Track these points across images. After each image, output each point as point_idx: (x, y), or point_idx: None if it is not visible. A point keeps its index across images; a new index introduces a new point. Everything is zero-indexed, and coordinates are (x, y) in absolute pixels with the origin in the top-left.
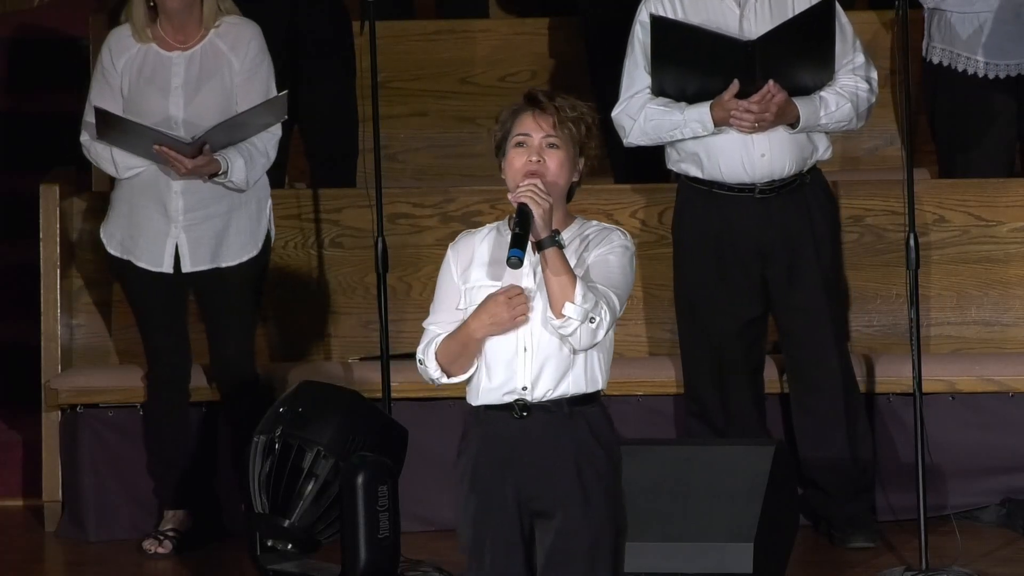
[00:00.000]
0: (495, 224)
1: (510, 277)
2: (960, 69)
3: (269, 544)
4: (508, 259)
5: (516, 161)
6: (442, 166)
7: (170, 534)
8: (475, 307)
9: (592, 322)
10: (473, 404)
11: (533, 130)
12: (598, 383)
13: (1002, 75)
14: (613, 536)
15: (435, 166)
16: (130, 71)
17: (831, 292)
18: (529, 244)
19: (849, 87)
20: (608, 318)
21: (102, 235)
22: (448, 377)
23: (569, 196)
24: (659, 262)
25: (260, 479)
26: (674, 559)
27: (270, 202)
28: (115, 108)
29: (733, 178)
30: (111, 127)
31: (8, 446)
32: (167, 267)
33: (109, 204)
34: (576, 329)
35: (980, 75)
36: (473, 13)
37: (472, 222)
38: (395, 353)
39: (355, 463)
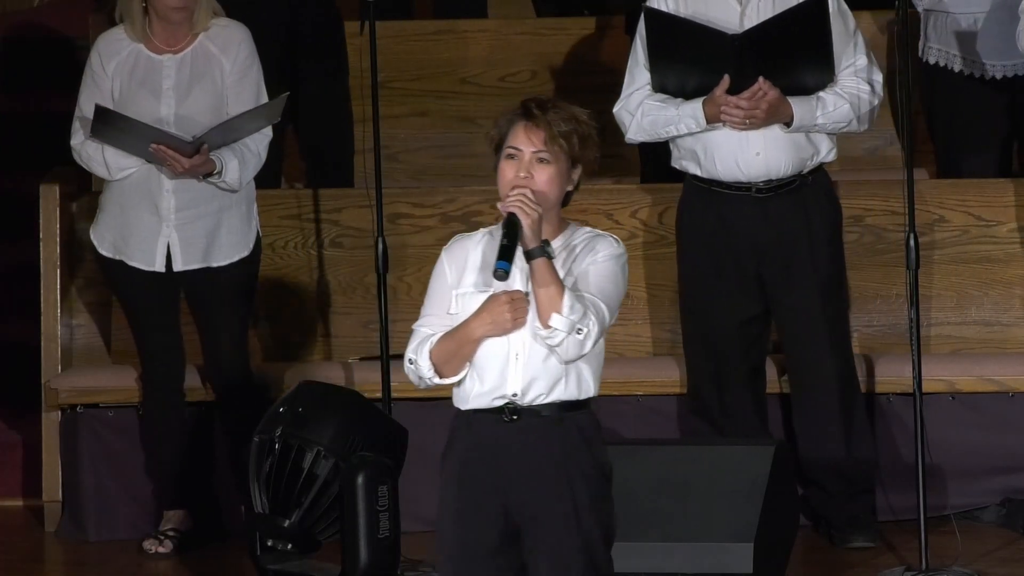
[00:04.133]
0: (489, 228)
1: (503, 283)
2: (957, 69)
3: (269, 544)
4: (494, 271)
5: (507, 173)
6: (442, 166)
7: (170, 534)
8: (466, 313)
9: (579, 333)
10: (462, 408)
11: (524, 144)
12: (590, 390)
13: (999, 75)
14: (601, 542)
15: (435, 166)
16: (121, 74)
17: (828, 294)
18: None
19: (849, 88)
20: (596, 329)
21: (92, 237)
22: (440, 378)
23: (565, 202)
24: (659, 262)
25: (260, 479)
26: (674, 559)
27: (256, 204)
28: None
29: (729, 176)
30: (109, 125)
31: (8, 446)
32: (159, 266)
33: (98, 206)
34: (563, 340)
35: (977, 75)
36: (470, 13)
37: (472, 222)
38: (395, 353)
39: (355, 463)
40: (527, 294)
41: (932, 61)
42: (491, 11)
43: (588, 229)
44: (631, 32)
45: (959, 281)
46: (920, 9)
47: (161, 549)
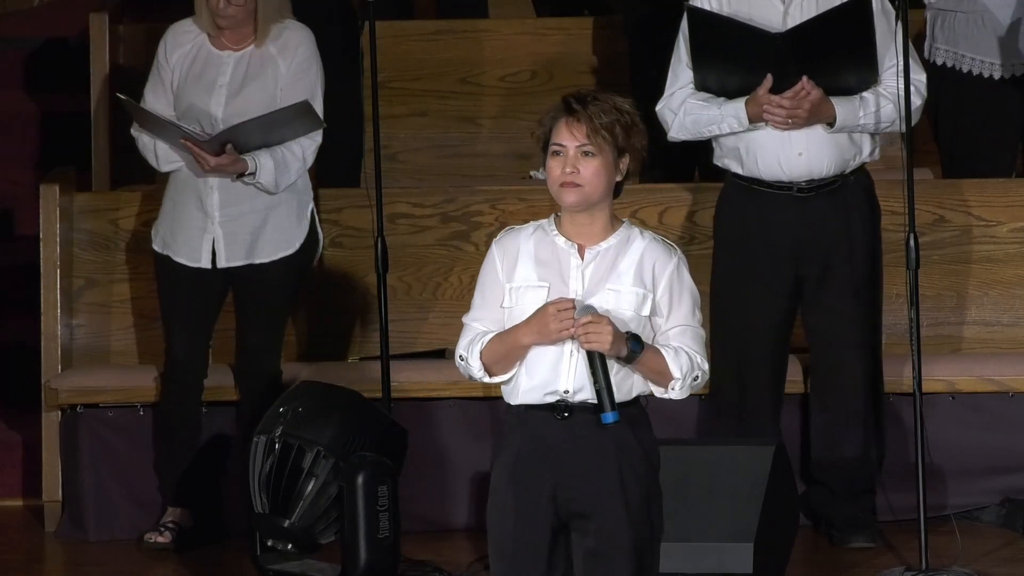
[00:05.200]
0: (540, 222)
1: (557, 277)
2: (965, 70)
3: (269, 544)
4: (602, 426)
5: (554, 170)
6: (442, 166)
7: (170, 526)
8: (521, 306)
9: (696, 379)
10: (512, 403)
11: (567, 139)
12: (641, 387)
13: (1007, 75)
14: (650, 538)
15: (435, 166)
16: (182, 67)
17: (862, 296)
18: (577, 252)
19: (892, 88)
20: (706, 364)
21: (152, 232)
22: (490, 376)
23: (617, 192)
24: None
25: (260, 479)
26: (674, 559)
27: (312, 205)
28: (166, 103)
29: (770, 175)
30: (138, 117)
31: (8, 446)
32: (205, 262)
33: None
34: (686, 394)
35: (985, 75)
36: (473, 13)
37: (472, 222)
38: (395, 353)
39: (355, 463)
40: (579, 300)
41: (939, 62)
42: (491, 11)
43: (639, 231)
44: (630, 32)
45: (959, 281)
46: (927, 11)
47: (160, 539)
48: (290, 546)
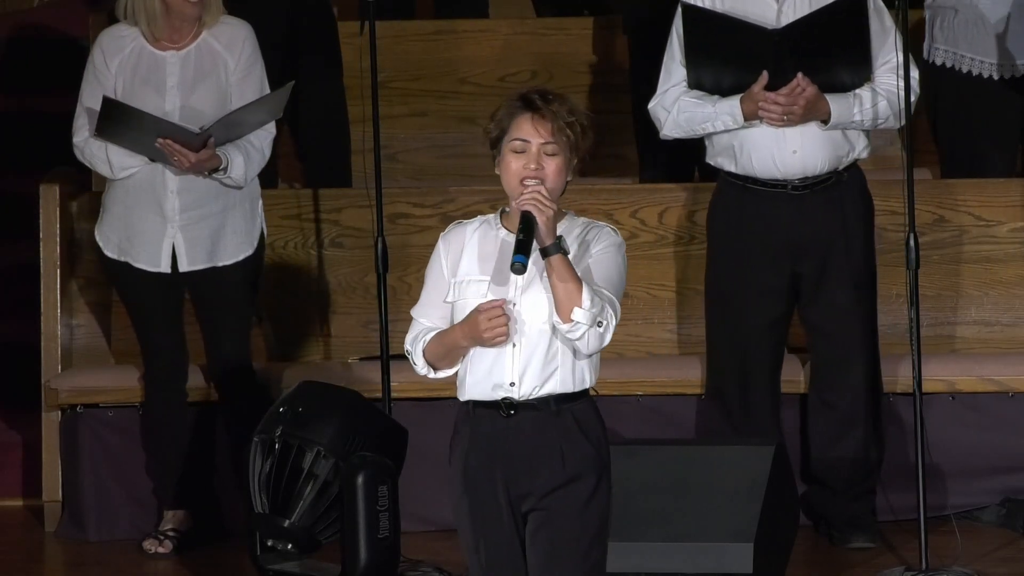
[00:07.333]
0: (487, 217)
1: (498, 271)
2: (964, 70)
3: (269, 544)
4: (512, 265)
5: (514, 165)
6: (442, 166)
7: (170, 534)
8: (463, 300)
9: (600, 326)
10: (461, 399)
11: (532, 136)
12: (586, 382)
13: (1007, 75)
14: (596, 530)
15: (435, 166)
16: (124, 72)
17: (861, 291)
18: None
19: (886, 85)
20: (613, 322)
21: (97, 238)
22: (435, 372)
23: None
24: (658, 262)
25: (260, 479)
26: (674, 559)
27: (260, 202)
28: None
29: (765, 173)
30: (115, 120)
31: (8, 446)
32: (165, 267)
33: (102, 207)
34: (584, 333)
35: (984, 76)
36: (473, 13)
37: None
38: (395, 353)
39: (355, 463)
40: (511, 302)
41: (938, 62)
42: (491, 11)
43: (585, 220)
44: (630, 32)
45: (959, 281)
46: (926, 11)
47: (161, 549)
48: (290, 546)
